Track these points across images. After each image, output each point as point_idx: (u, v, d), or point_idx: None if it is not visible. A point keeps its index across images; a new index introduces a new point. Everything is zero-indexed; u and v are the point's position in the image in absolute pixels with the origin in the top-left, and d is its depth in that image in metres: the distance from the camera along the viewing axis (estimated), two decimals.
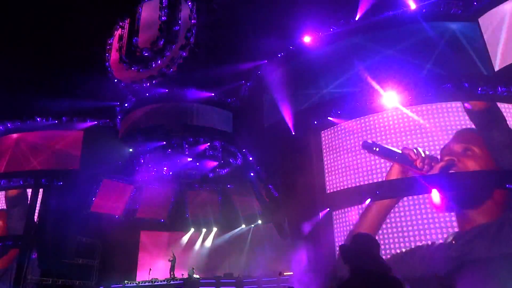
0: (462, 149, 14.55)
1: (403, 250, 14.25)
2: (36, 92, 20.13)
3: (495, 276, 11.67)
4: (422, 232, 14.19)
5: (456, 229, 13.77)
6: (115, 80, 21.31)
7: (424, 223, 14.27)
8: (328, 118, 17.05)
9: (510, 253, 12.62)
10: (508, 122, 14.63)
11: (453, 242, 13.57)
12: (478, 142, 14.56)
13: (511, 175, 13.90)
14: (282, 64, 18.58)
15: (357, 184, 15.81)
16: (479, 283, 11.84)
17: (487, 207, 13.71)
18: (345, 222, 15.84)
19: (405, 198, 14.84)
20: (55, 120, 22.21)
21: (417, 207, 14.53)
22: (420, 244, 14.08)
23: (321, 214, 16.48)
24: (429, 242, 13.97)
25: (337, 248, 15.09)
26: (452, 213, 14.01)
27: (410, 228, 14.42)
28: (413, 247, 14.15)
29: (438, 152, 14.81)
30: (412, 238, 14.28)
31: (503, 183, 13.85)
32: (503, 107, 14.88)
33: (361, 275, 2.76)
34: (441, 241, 13.79)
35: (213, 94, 20.73)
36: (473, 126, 14.85)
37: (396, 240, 14.51)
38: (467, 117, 14.96)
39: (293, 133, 17.86)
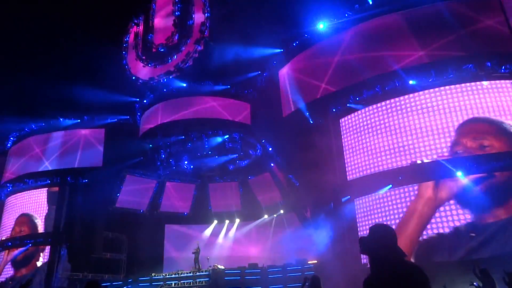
0: (478, 146, 13.70)
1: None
2: (56, 92, 20.58)
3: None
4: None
5: (469, 220, 13.15)
6: (133, 78, 21.62)
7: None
8: (347, 105, 16.87)
9: None
10: None
11: (472, 234, 12.86)
12: (492, 132, 13.72)
13: None
14: (297, 53, 18.41)
15: (379, 170, 15.61)
16: None
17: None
18: (367, 209, 15.70)
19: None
20: (78, 119, 22.75)
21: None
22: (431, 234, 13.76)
23: (342, 202, 16.40)
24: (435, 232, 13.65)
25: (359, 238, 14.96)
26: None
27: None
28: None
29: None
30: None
31: None
32: None
33: (378, 264, 2.91)
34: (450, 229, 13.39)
35: (229, 87, 20.78)
36: (481, 115, 14.05)
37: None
38: (484, 101, 14.37)
39: (312, 122, 17.77)
